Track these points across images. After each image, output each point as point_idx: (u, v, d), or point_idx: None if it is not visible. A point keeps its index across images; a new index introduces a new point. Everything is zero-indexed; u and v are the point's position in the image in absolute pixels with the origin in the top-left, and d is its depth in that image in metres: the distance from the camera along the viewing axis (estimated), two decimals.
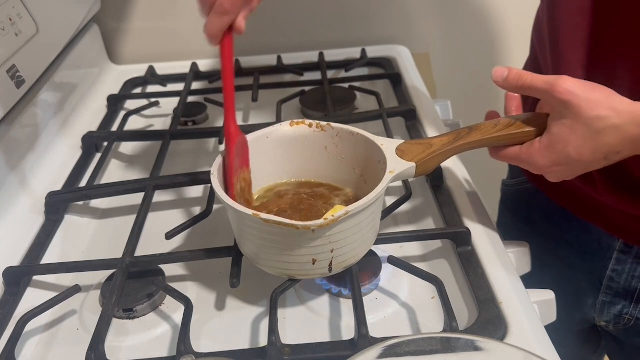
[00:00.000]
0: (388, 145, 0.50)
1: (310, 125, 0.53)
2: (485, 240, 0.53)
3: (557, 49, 0.55)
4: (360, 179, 0.53)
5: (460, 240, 0.52)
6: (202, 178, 0.61)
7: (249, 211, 0.43)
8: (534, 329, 0.45)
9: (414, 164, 0.48)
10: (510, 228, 0.74)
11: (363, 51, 0.91)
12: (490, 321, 0.44)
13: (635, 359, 0.65)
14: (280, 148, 0.54)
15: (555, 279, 0.66)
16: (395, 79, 0.83)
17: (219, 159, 0.50)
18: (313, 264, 0.45)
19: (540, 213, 0.68)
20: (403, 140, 0.50)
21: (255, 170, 0.53)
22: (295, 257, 0.45)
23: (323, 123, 0.53)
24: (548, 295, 0.53)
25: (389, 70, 0.86)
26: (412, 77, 0.84)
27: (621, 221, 0.57)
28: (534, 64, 0.64)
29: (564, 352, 0.57)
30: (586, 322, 0.68)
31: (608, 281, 0.61)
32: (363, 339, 0.42)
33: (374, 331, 0.43)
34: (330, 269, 0.46)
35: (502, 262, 0.51)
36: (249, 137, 0.53)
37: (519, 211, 0.72)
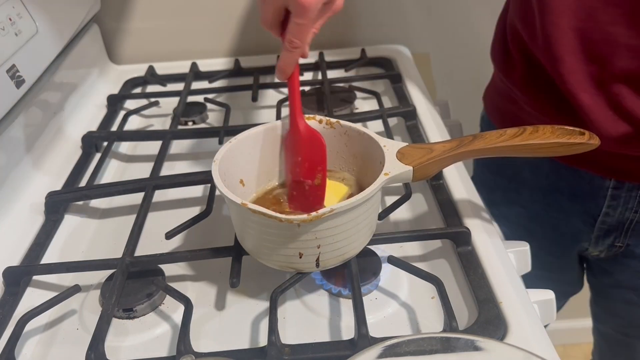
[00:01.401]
0: (390, 148, 0.50)
1: (320, 121, 0.54)
2: (485, 240, 0.53)
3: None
4: (363, 178, 0.53)
5: (461, 240, 0.52)
6: (202, 178, 0.61)
7: (239, 200, 0.44)
8: (534, 329, 0.44)
9: (411, 167, 0.48)
10: (488, 183, 0.76)
11: (363, 51, 0.91)
12: (490, 321, 0.44)
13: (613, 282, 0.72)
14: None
15: (548, 224, 0.72)
16: (396, 79, 0.83)
17: (224, 148, 0.51)
18: (300, 257, 0.45)
19: (528, 165, 0.70)
20: (406, 144, 0.50)
21: (263, 163, 0.54)
22: (283, 249, 0.45)
23: (333, 120, 0.53)
24: (548, 295, 0.53)
25: (389, 71, 0.86)
26: (412, 77, 0.84)
27: (613, 163, 0.60)
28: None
29: (552, 277, 0.70)
30: (577, 255, 0.74)
31: (604, 217, 0.66)
32: (363, 339, 0.42)
33: (374, 331, 0.43)
34: (317, 265, 0.46)
35: (502, 262, 0.51)
36: (257, 129, 0.53)
37: (504, 169, 0.74)
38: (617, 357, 0.81)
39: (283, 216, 0.43)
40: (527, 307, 0.47)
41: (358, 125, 0.53)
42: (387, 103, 0.79)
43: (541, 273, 0.76)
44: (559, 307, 0.83)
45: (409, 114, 0.72)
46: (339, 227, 0.44)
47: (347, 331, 0.47)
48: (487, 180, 0.76)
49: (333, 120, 0.53)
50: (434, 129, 0.70)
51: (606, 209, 0.65)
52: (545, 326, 0.47)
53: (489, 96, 0.77)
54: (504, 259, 0.51)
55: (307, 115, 0.54)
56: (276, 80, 0.87)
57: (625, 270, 0.70)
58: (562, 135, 0.47)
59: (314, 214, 0.42)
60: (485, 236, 0.53)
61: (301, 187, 0.52)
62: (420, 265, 0.51)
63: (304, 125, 0.52)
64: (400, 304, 0.49)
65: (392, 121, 0.72)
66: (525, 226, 0.74)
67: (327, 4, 0.50)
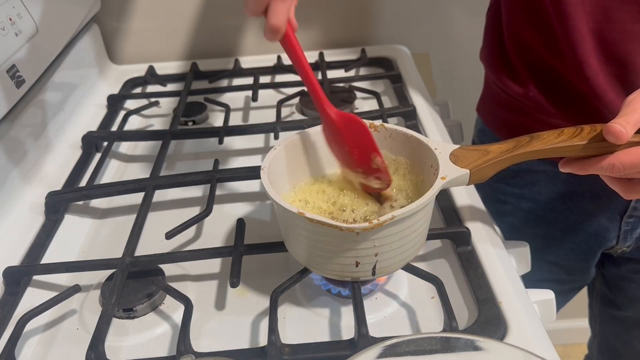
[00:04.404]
0: (442, 150, 0.48)
1: None
2: (485, 240, 0.53)
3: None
4: (410, 183, 0.52)
5: (460, 240, 0.52)
6: (202, 178, 0.61)
7: (295, 209, 0.43)
8: (534, 329, 0.45)
9: (468, 170, 0.47)
10: (496, 195, 0.74)
11: (363, 51, 0.91)
12: (490, 321, 0.44)
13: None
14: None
15: (569, 228, 0.71)
16: (395, 79, 0.83)
17: (270, 154, 0.49)
18: (356, 266, 0.44)
19: (544, 174, 0.70)
20: (458, 146, 0.49)
21: (308, 166, 0.52)
22: (339, 258, 0.44)
23: (377, 123, 0.52)
24: (548, 295, 0.53)
25: (388, 71, 0.86)
26: (412, 77, 0.84)
27: None
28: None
29: (571, 279, 0.74)
30: (600, 254, 0.74)
31: (631, 212, 0.66)
32: (363, 339, 0.42)
33: (374, 331, 0.43)
34: (373, 273, 0.45)
35: (502, 262, 0.51)
36: (303, 133, 0.51)
37: (516, 179, 0.73)
38: (636, 340, 0.81)
39: (344, 225, 0.41)
40: (527, 307, 0.47)
41: (404, 128, 0.51)
42: (387, 103, 0.79)
43: (558, 277, 0.76)
44: (568, 300, 0.83)
45: (409, 114, 0.72)
46: (398, 233, 0.43)
47: (347, 331, 0.47)
48: (495, 191, 0.74)
49: (377, 123, 0.52)
50: (434, 129, 0.70)
51: (634, 203, 0.65)
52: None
53: (487, 109, 0.76)
54: (503, 259, 0.51)
55: None
56: (277, 80, 0.87)
57: None
58: None
59: (375, 221, 0.41)
60: (485, 236, 0.53)
61: (366, 174, 0.50)
62: (420, 265, 0.51)
63: (335, 112, 0.49)
64: (400, 304, 0.49)
65: (392, 121, 0.72)
66: (543, 234, 0.73)
67: None
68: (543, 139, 0.47)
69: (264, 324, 0.48)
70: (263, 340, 0.46)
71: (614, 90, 0.57)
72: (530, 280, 0.57)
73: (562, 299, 0.82)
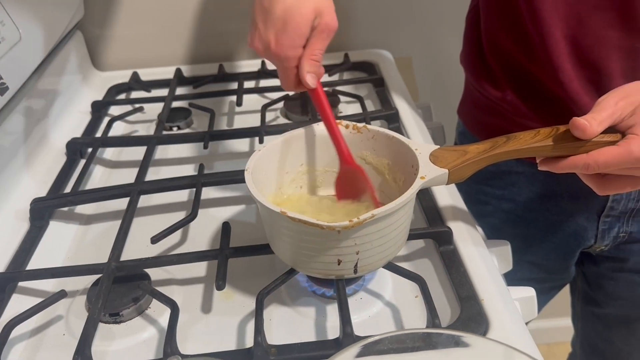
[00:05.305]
0: (422, 151, 0.49)
1: (347, 126, 0.53)
2: (467, 239, 0.53)
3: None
4: (393, 182, 0.53)
5: (443, 240, 0.53)
6: (187, 183, 0.62)
7: (277, 209, 0.43)
8: (515, 325, 0.45)
9: (446, 170, 0.48)
10: (477, 196, 0.76)
11: (346, 56, 0.92)
12: (472, 318, 0.45)
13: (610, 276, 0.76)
14: (316, 147, 0.54)
15: (549, 228, 0.72)
16: (378, 83, 0.84)
17: (255, 156, 0.50)
18: (339, 264, 0.45)
19: (523, 175, 0.71)
20: (438, 147, 0.50)
21: (288, 169, 0.54)
22: (322, 256, 0.45)
23: (360, 125, 0.53)
24: (529, 292, 0.54)
25: (371, 75, 0.87)
26: (395, 81, 0.85)
27: None
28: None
29: (552, 278, 0.75)
30: (579, 252, 0.76)
31: (608, 211, 0.68)
32: (348, 338, 0.43)
33: (359, 330, 0.44)
34: (355, 271, 0.46)
35: (484, 260, 0.52)
36: (284, 136, 0.53)
37: (495, 180, 0.74)
38: (616, 337, 0.83)
39: (324, 223, 0.42)
40: (508, 304, 0.47)
41: (386, 130, 0.53)
42: (370, 106, 0.80)
43: (538, 276, 0.77)
44: (550, 299, 0.85)
45: (392, 117, 0.73)
46: (379, 232, 0.44)
47: (333, 331, 0.47)
48: (476, 192, 0.76)
49: (360, 125, 0.53)
50: (417, 132, 0.71)
51: (611, 203, 0.67)
52: (527, 323, 0.48)
53: (467, 111, 0.77)
54: (485, 257, 0.52)
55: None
56: (261, 84, 0.88)
57: (628, 255, 0.72)
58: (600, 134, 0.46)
59: (355, 219, 0.42)
60: (466, 235, 0.54)
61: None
62: (403, 264, 0.52)
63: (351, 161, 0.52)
64: (384, 303, 0.50)
65: (375, 124, 0.72)
66: (523, 234, 0.74)
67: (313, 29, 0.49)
68: (520, 139, 0.49)
69: (250, 325, 0.48)
70: (249, 342, 0.46)
71: (588, 94, 0.59)
72: (512, 280, 0.58)
73: (544, 298, 0.84)
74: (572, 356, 1.00)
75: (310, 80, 0.49)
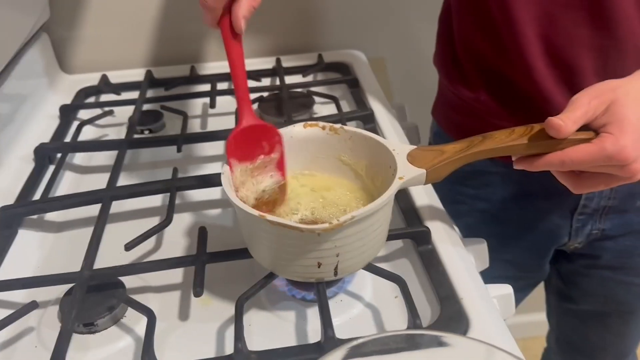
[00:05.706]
0: (400, 151, 0.49)
1: (323, 127, 0.53)
2: (444, 239, 0.54)
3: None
4: (371, 183, 0.52)
5: (421, 240, 0.53)
6: (160, 187, 0.60)
7: (256, 213, 0.43)
8: (495, 323, 0.46)
9: (424, 170, 0.48)
10: (452, 195, 0.75)
11: (320, 57, 0.91)
12: (453, 317, 0.46)
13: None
14: (293, 150, 0.53)
15: (524, 226, 0.73)
16: (353, 83, 0.84)
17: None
18: (318, 267, 0.45)
19: (498, 175, 0.72)
20: (415, 147, 0.50)
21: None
22: (302, 259, 0.44)
23: (336, 126, 0.53)
24: (506, 289, 0.55)
25: (346, 75, 0.87)
26: (369, 81, 0.85)
27: None
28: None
29: (528, 277, 0.76)
30: (554, 250, 0.77)
31: (581, 209, 0.69)
32: (329, 341, 0.43)
33: (340, 333, 0.44)
34: (335, 273, 0.46)
35: (462, 259, 0.52)
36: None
37: (470, 180, 0.75)
38: (591, 332, 0.84)
39: (304, 226, 0.42)
40: (487, 302, 0.48)
41: (363, 130, 0.52)
42: (346, 107, 0.80)
43: (514, 274, 0.78)
44: (525, 295, 0.86)
45: (367, 118, 0.73)
46: (358, 233, 0.44)
47: (314, 334, 0.47)
48: (452, 192, 0.76)
49: (337, 126, 0.53)
50: (392, 132, 0.71)
51: (584, 201, 0.68)
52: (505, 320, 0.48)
53: (441, 112, 0.78)
54: (463, 256, 0.53)
55: (310, 122, 0.53)
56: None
57: (601, 252, 0.73)
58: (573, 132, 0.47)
59: (335, 221, 0.42)
60: (444, 235, 0.54)
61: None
62: (382, 265, 0.52)
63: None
64: (365, 304, 0.50)
65: (351, 125, 0.73)
66: (499, 233, 0.75)
67: None
68: (495, 138, 0.49)
69: (230, 331, 0.47)
70: (229, 349, 0.45)
71: (561, 93, 0.60)
72: (488, 277, 0.58)
73: (520, 295, 0.85)
74: (547, 351, 1.02)
75: (243, 25, 0.49)
